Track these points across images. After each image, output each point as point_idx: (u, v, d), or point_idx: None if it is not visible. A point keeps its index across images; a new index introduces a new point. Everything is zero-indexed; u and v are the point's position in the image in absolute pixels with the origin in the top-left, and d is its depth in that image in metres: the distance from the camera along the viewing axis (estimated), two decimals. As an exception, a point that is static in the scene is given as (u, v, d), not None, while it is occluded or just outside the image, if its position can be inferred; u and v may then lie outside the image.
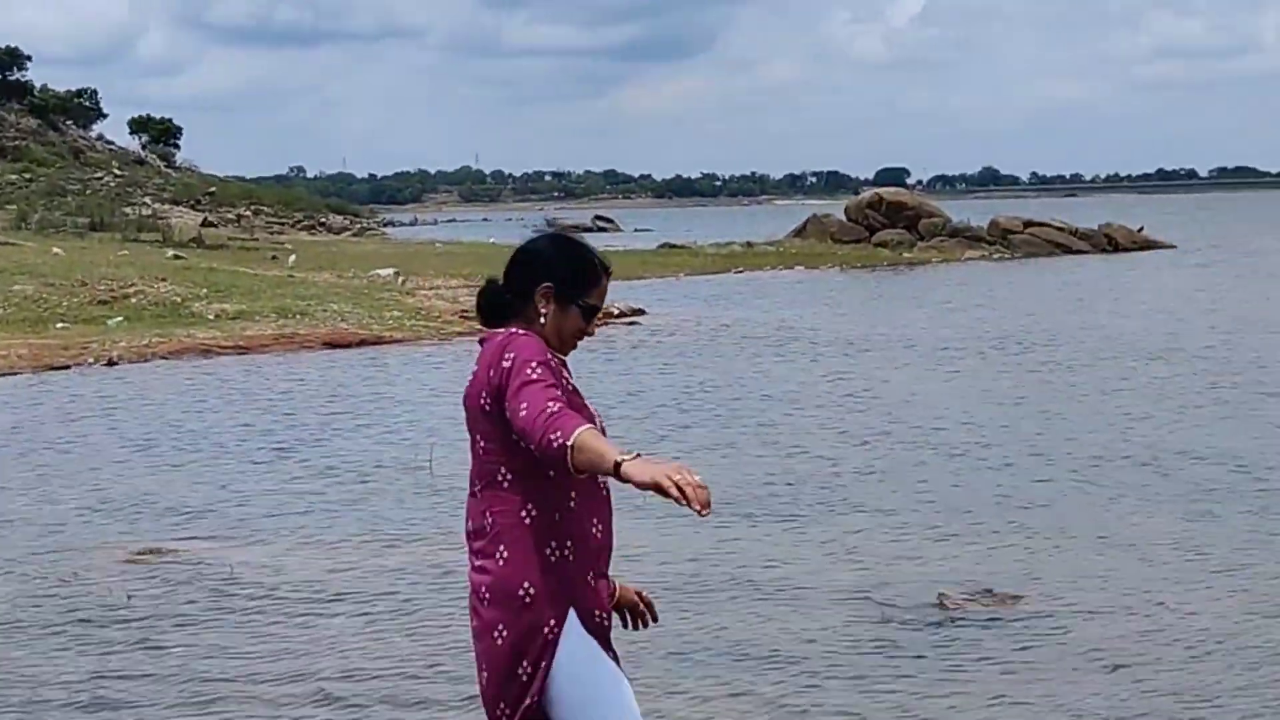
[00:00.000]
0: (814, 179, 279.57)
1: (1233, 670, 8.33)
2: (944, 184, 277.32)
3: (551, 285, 4.41)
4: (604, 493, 4.42)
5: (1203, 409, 17.61)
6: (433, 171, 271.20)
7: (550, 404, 4.08)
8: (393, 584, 10.40)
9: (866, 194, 59.95)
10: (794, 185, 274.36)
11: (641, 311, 31.59)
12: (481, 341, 4.45)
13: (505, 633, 4.25)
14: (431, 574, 10.57)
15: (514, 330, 4.36)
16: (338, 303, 30.14)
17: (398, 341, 26.42)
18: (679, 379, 21.37)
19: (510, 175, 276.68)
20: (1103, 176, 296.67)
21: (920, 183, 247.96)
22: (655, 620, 4.71)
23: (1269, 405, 17.93)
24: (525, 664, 4.24)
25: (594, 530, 4.36)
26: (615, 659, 4.38)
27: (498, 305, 4.47)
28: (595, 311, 4.50)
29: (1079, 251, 53.71)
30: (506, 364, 4.22)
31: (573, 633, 4.25)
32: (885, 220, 55.70)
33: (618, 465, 3.92)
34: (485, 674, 4.35)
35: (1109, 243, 55.51)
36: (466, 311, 29.63)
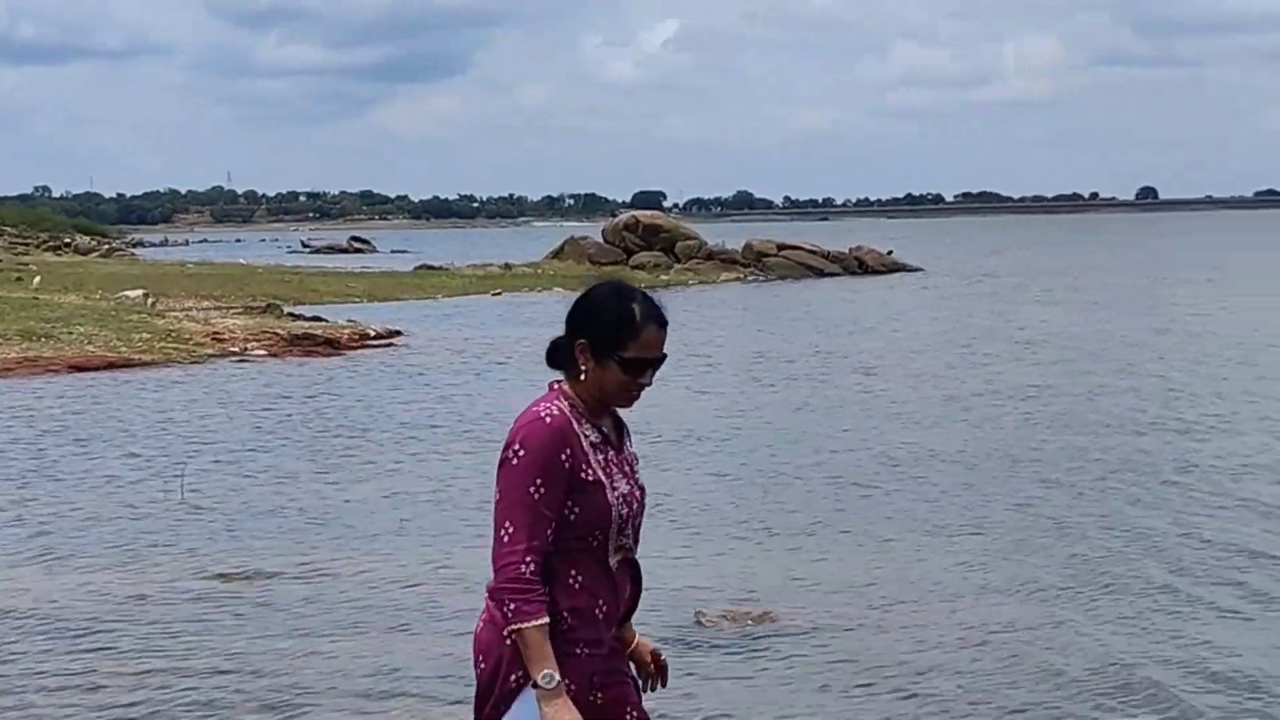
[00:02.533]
0: (572, 201, 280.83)
1: (978, 681, 8.53)
2: (700, 207, 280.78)
3: (586, 341, 4.30)
4: (611, 569, 4.32)
5: (960, 420, 18.09)
6: (183, 191, 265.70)
7: (527, 561, 4.14)
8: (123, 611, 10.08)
9: (623, 216, 60.31)
10: (552, 207, 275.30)
11: (398, 333, 31.32)
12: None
13: (484, 664, 4.28)
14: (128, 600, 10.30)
15: (551, 387, 4.36)
16: (84, 325, 29.24)
17: (147, 364, 25.70)
18: (431, 399, 21.24)
19: (264, 195, 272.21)
20: (854, 201, 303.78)
21: (677, 205, 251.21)
22: (664, 684, 4.64)
23: (1005, 411, 18.54)
24: (490, 703, 4.27)
25: (597, 609, 4.29)
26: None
27: (554, 352, 4.40)
28: (642, 364, 4.29)
29: (831, 274, 54.84)
30: (506, 451, 4.24)
31: (527, 699, 4.19)
32: (642, 242, 56.12)
33: (535, 685, 4.11)
34: None
35: (859, 265, 56.78)
36: (219, 333, 29.06)
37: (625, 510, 4.27)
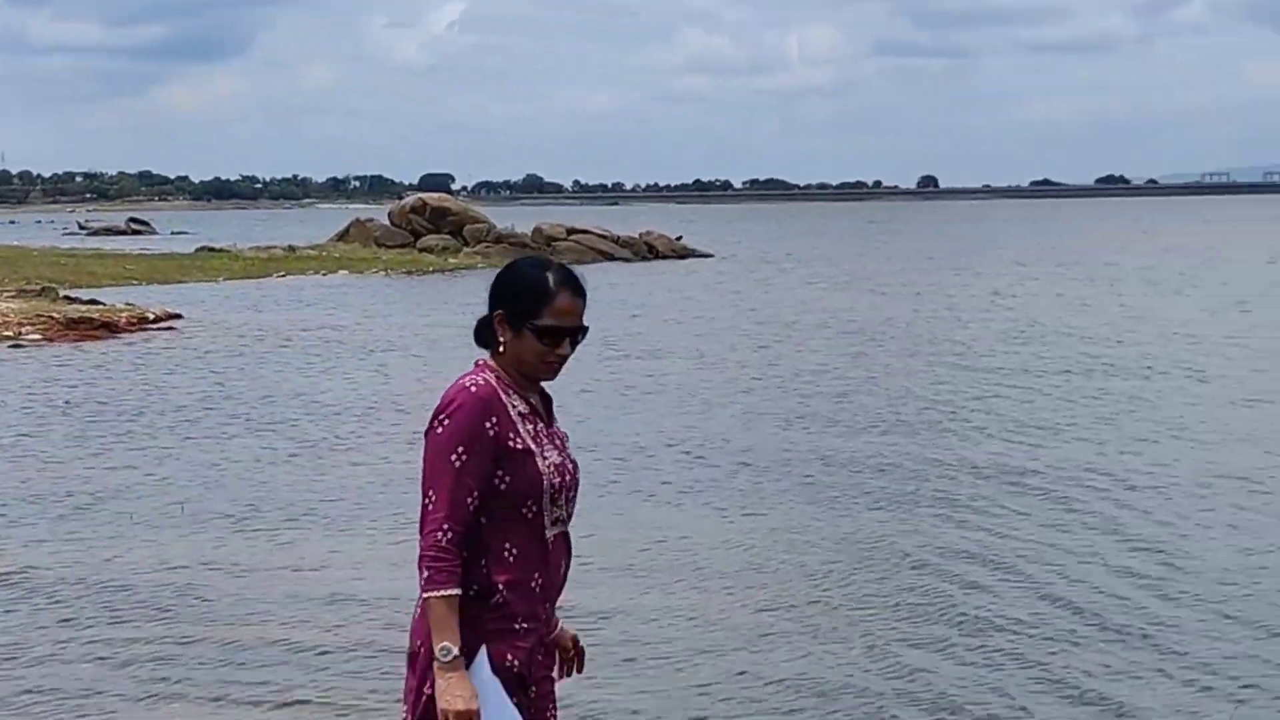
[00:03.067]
0: (357, 183, 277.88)
1: (726, 670, 8.40)
2: (489, 190, 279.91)
3: (503, 312, 4.28)
4: (547, 542, 4.25)
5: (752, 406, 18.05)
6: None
7: (445, 530, 4.08)
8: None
9: (410, 199, 59.60)
10: (337, 189, 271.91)
11: (178, 316, 30.44)
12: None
13: (421, 647, 4.16)
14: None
15: (478, 365, 4.31)
16: None
17: (-96, 348, 24.52)
18: (207, 383, 20.61)
19: (39, 176, 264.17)
20: (644, 186, 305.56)
21: (465, 188, 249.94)
22: (580, 670, 4.57)
23: (785, 393, 18.60)
24: (428, 684, 4.12)
25: (532, 582, 4.21)
26: (535, 706, 4.27)
27: (479, 330, 4.37)
28: (557, 333, 4.23)
29: (621, 259, 54.80)
30: (432, 421, 4.19)
31: (478, 673, 4.10)
32: (430, 225, 55.52)
33: (434, 660, 4.04)
34: None
35: (650, 250, 56.88)
36: (-17, 316, 27.91)
37: (558, 480, 4.22)
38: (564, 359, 4.26)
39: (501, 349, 4.27)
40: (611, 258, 54.74)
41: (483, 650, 4.13)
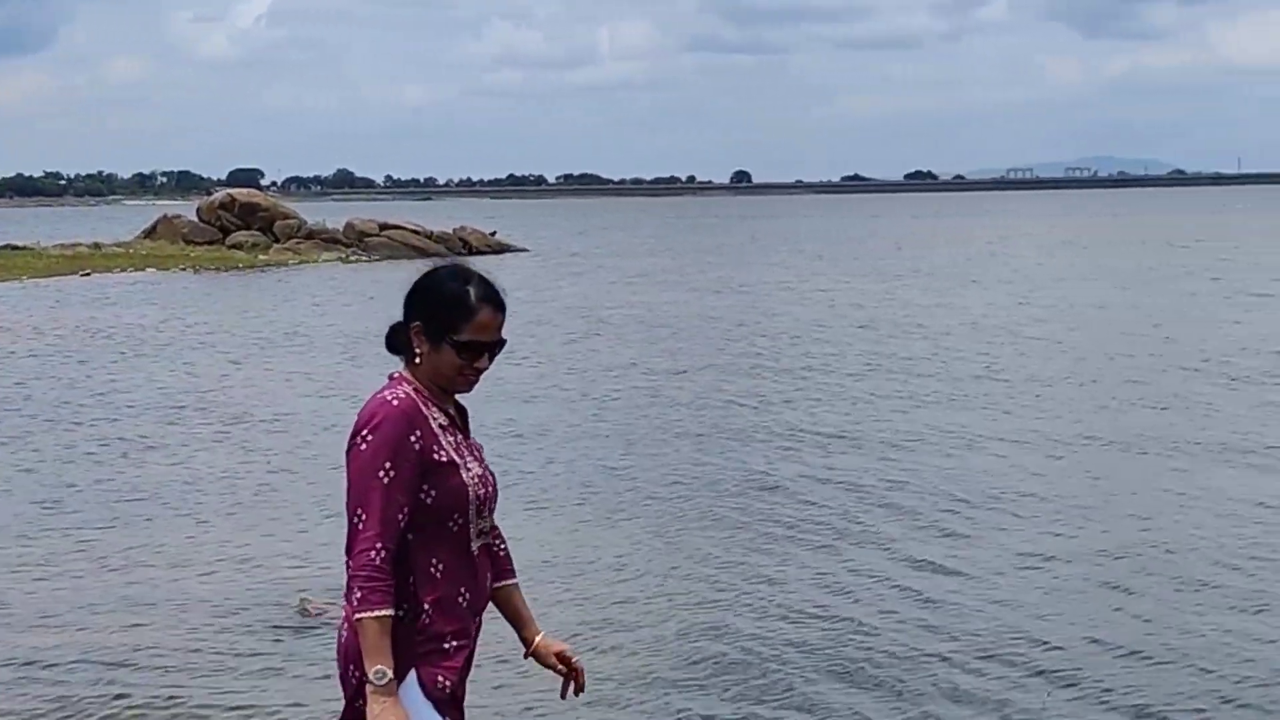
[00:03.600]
0: (165, 179, 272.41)
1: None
2: (300, 185, 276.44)
3: (420, 324, 4.15)
4: (473, 555, 4.17)
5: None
6: None
7: (378, 549, 3.97)
8: None
9: (219, 194, 58.64)
10: (144, 185, 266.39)
11: (-23, 315, 29.67)
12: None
13: (354, 670, 4.05)
14: None
15: (391, 378, 4.20)
16: None
17: None
18: (6, 383, 20.16)
19: None
20: (457, 181, 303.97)
21: (275, 184, 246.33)
22: (581, 690, 4.45)
23: (602, 386, 18.73)
24: (358, 705, 4.04)
25: (460, 597, 4.12)
26: None
27: (391, 336, 4.24)
28: (477, 348, 4.14)
29: (434, 254, 54.43)
30: (354, 438, 4.11)
31: (409, 697, 4.00)
32: (239, 221, 54.68)
33: (368, 680, 3.94)
34: None
35: (464, 246, 56.55)
36: None
37: (482, 491, 4.15)
38: (481, 372, 4.18)
39: (418, 360, 4.16)
40: (425, 254, 54.29)
41: (412, 674, 4.03)
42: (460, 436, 4.17)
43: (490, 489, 4.18)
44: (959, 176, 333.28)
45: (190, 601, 9.67)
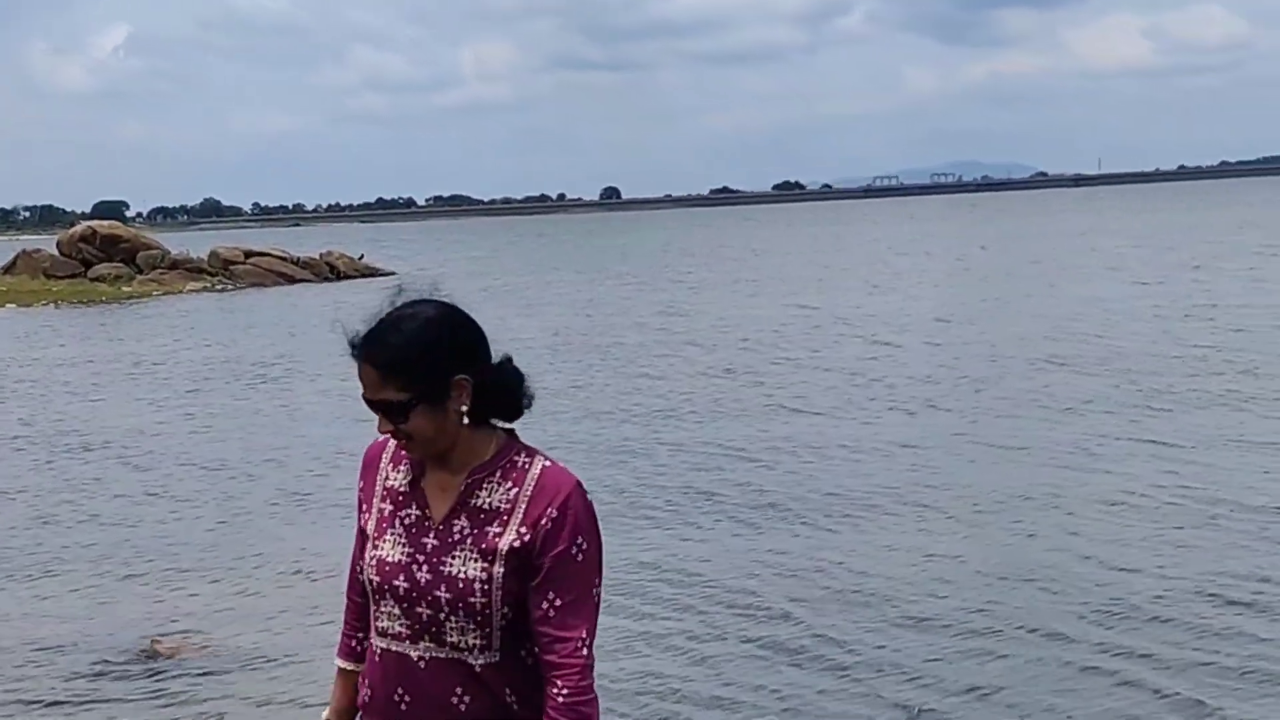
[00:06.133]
0: (27, 214, 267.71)
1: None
2: (166, 216, 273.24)
3: None
4: (413, 659, 3.27)
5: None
6: None
7: (347, 594, 3.55)
8: None
9: (79, 227, 57.55)
10: (6, 220, 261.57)
11: None
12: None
13: None
14: None
15: None
16: None
17: None
18: None
19: None
20: (325, 206, 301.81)
21: (141, 215, 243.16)
22: None
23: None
24: None
25: (396, 696, 3.29)
26: None
27: None
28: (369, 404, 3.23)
29: (302, 280, 53.97)
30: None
31: None
32: (101, 254, 53.76)
33: None
34: None
35: (331, 271, 56.12)
36: None
37: (377, 580, 3.28)
38: (396, 438, 3.23)
39: None
40: (293, 280, 53.86)
41: None
42: (416, 513, 3.26)
43: (403, 587, 3.22)
44: (826, 186, 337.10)
45: (27, 647, 9.47)
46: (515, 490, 3.19)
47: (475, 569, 3.17)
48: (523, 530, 3.16)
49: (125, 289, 49.90)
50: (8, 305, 45.22)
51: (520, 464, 3.23)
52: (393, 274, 57.57)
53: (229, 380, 24.21)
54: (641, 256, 67.86)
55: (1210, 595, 9.69)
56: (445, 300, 3.39)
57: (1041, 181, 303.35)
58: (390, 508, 3.30)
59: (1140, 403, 17.48)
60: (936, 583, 10.27)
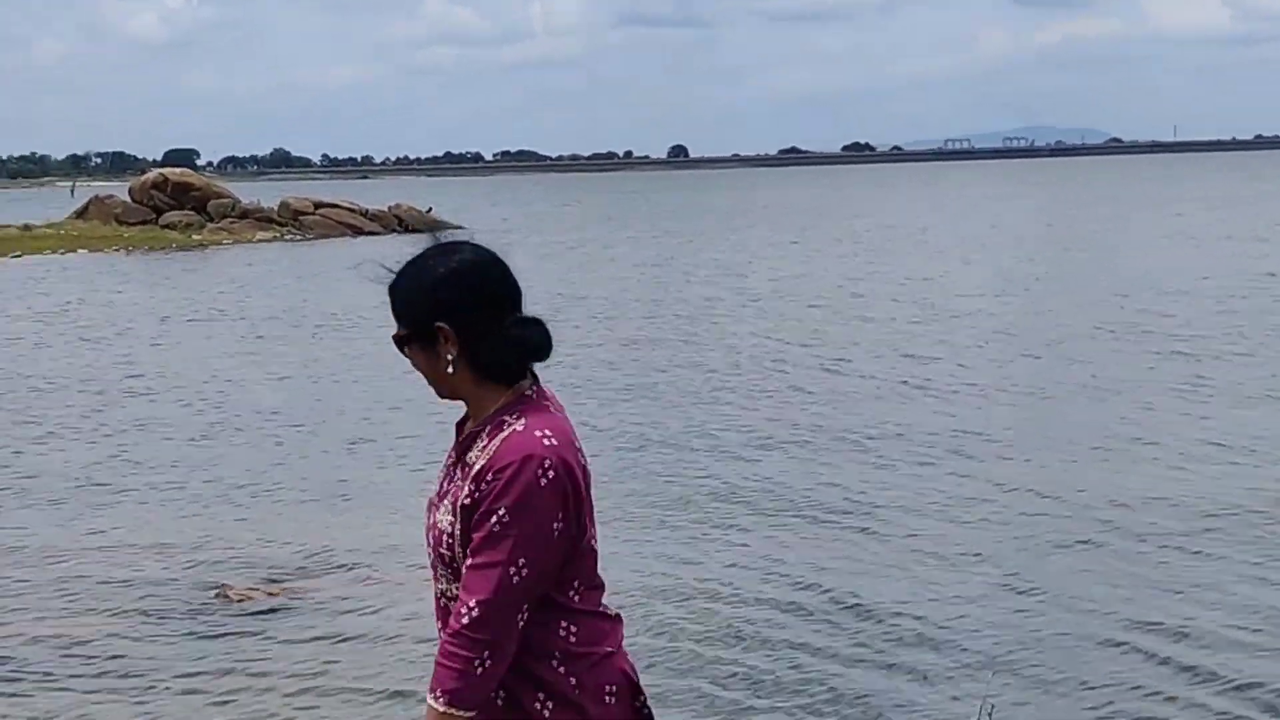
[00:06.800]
0: (99, 160, 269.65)
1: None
2: (236, 166, 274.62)
3: None
4: (440, 600, 3.37)
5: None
6: None
7: None
8: None
9: (151, 174, 58.06)
10: (78, 166, 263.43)
11: (-97, 300, 29.36)
12: (539, 391, 3.34)
13: None
14: None
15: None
16: None
17: None
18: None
19: None
20: (393, 159, 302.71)
21: (211, 164, 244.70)
22: None
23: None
24: None
25: (437, 630, 3.40)
26: None
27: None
28: None
29: (370, 232, 54.22)
30: None
31: None
32: (172, 201, 54.18)
33: None
34: None
35: (399, 223, 56.33)
36: None
37: (430, 544, 3.38)
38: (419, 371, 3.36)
39: None
40: (361, 231, 54.13)
41: None
42: (449, 459, 3.38)
43: (429, 545, 3.36)
44: (896, 148, 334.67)
45: (102, 586, 9.61)
46: (486, 448, 3.22)
47: (446, 521, 3.27)
48: (472, 488, 3.20)
49: (195, 237, 50.30)
50: (80, 250, 45.66)
51: (506, 424, 3.23)
52: (460, 228, 57.70)
53: (295, 328, 24.39)
54: (705, 215, 67.75)
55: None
56: (471, 251, 3.37)
57: (1116, 147, 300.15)
58: (441, 473, 3.40)
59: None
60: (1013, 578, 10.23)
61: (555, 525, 3.17)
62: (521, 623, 3.18)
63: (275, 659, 8.25)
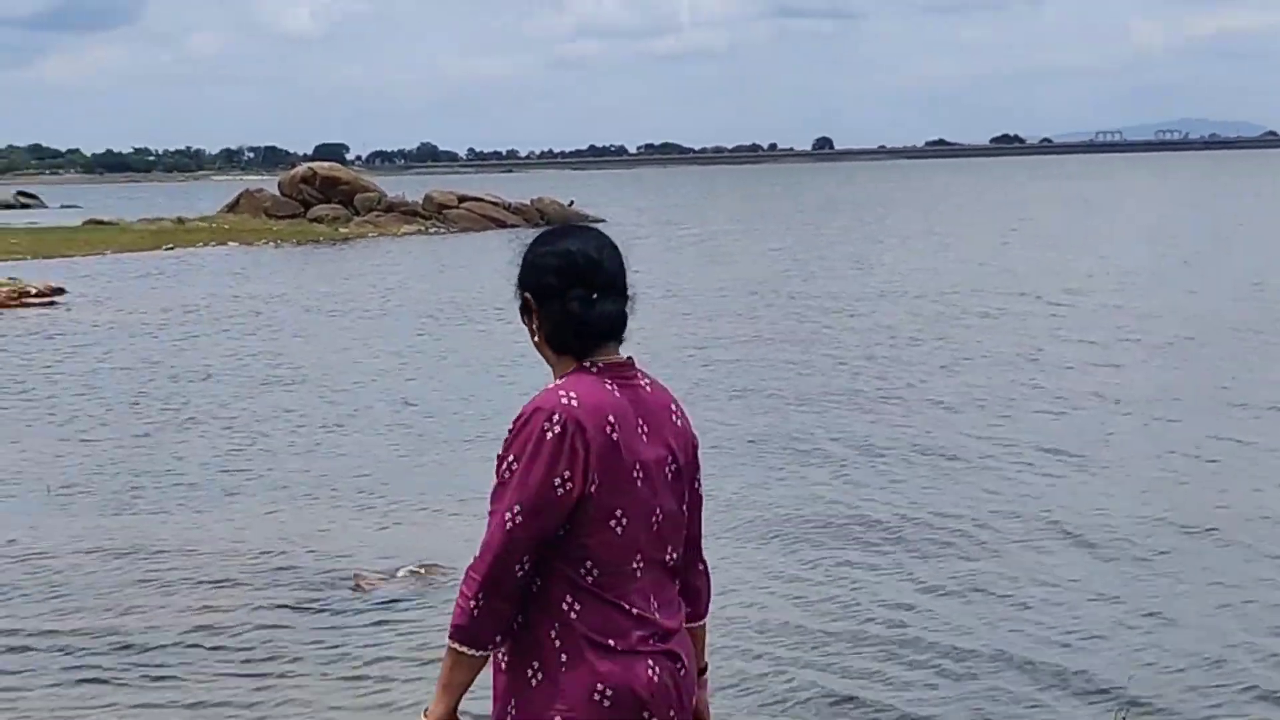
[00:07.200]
0: (252, 154, 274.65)
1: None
2: (384, 160, 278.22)
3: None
4: None
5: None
6: None
7: None
8: None
9: (300, 168, 59.02)
10: (231, 160, 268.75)
11: (61, 291, 30.07)
12: (600, 367, 3.43)
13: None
14: None
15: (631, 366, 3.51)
16: None
17: None
18: (91, 360, 20.40)
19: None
20: (538, 152, 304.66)
21: (360, 158, 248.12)
22: None
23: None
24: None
25: None
26: None
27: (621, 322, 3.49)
28: None
29: (513, 225, 54.64)
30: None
31: None
32: (320, 195, 55.07)
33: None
34: None
35: (541, 216, 56.69)
36: None
37: None
38: None
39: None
40: (503, 224, 54.59)
41: None
42: None
43: None
44: (1046, 140, 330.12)
45: (236, 575, 9.79)
46: None
47: None
48: None
49: (342, 230, 51.02)
50: (230, 243, 46.52)
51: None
52: (601, 220, 57.98)
53: (433, 320, 24.64)
54: (847, 208, 67.38)
55: None
56: (569, 233, 3.54)
57: (1272, 140, 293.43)
58: None
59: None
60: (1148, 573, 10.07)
61: (556, 480, 3.26)
62: (520, 574, 3.29)
63: (408, 646, 8.35)
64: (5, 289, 29.32)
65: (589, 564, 3.32)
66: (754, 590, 9.26)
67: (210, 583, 9.67)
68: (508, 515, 3.26)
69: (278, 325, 24.46)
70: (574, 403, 3.29)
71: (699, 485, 3.54)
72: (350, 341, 22.06)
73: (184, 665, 8.17)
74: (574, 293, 3.40)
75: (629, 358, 3.45)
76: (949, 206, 66.12)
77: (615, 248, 3.51)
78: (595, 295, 3.40)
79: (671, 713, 3.37)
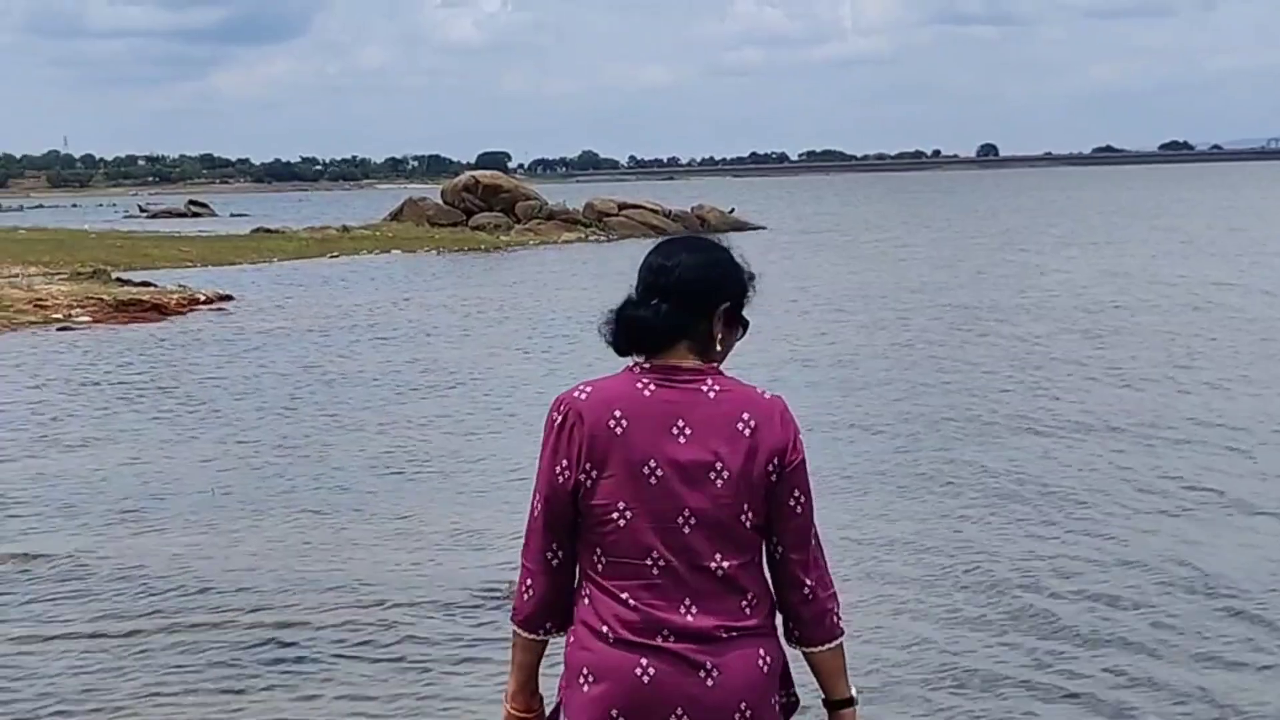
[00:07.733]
0: (415, 163, 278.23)
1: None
2: (545, 168, 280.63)
3: (729, 305, 3.53)
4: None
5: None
6: (18, 156, 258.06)
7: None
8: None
9: (463, 177, 59.72)
10: (395, 169, 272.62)
11: (228, 297, 30.69)
12: (644, 367, 3.50)
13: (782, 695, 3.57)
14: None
15: (707, 370, 3.49)
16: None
17: (-39, 332, 24.81)
18: (253, 365, 20.74)
19: (102, 159, 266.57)
20: (699, 160, 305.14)
21: (522, 166, 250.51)
22: None
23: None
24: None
25: None
26: None
27: (650, 331, 3.50)
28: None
29: (672, 233, 54.55)
30: (800, 437, 3.48)
31: None
32: (482, 203, 55.64)
33: (839, 704, 3.62)
34: None
35: (701, 224, 56.70)
36: (41, 300, 28.22)
37: None
38: None
39: (720, 348, 3.52)
40: (664, 232, 54.53)
41: None
42: None
43: None
44: (1216, 146, 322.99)
45: (393, 576, 9.84)
46: None
47: None
48: None
49: (503, 238, 51.50)
50: (393, 250, 47.13)
51: None
52: (762, 228, 57.90)
53: (589, 327, 24.69)
54: (1011, 215, 66.50)
55: None
56: (674, 245, 3.66)
57: None
58: None
59: None
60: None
61: (557, 468, 3.46)
62: (555, 560, 3.48)
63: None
64: (175, 296, 29.99)
65: (599, 552, 3.45)
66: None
67: (353, 586, 9.71)
68: (534, 502, 3.50)
69: (438, 333, 24.67)
70: (583, 395, 3.48)
71: (794, 503, 3.45)
72: (505, 346, 22.19)
73: (334, 660, 8.22)
74: (638, 298, 3.55)
75: (709, 364, 3.49)
76: (1123, 214, 64.91)
77: (710, 260, 3.55)
78: (655, 301, 3.51)
79: (672, 715, 3.37)
